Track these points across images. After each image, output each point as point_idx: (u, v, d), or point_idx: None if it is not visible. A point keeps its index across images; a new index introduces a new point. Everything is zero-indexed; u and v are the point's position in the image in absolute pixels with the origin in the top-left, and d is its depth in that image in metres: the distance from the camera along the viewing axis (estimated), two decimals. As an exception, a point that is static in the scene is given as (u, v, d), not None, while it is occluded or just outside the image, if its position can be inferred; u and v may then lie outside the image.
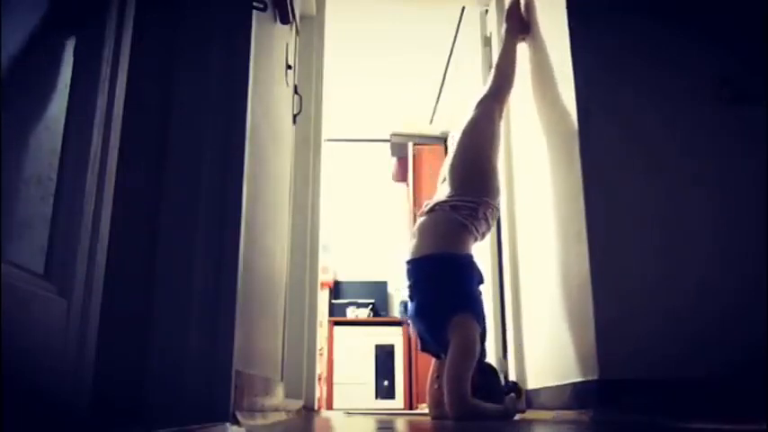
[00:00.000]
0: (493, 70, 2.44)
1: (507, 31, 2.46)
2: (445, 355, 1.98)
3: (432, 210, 2.13)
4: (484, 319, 2.05)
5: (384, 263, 5.92)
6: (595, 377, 1.67)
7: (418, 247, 2.11)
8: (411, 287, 2.11)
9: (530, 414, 2.21)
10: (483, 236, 2.16)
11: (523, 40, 2.43)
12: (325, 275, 5.05)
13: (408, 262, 2.13)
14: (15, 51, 0.76)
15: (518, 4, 2.49)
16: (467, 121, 2.27)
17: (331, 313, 5.54)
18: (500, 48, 2.90)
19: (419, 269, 2.09)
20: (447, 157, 2.34)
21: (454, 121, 4.58)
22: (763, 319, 1.65)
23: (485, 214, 2.08)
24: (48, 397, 0.84)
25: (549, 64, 2.20)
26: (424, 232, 2.12)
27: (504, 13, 2.52)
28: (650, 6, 1.99)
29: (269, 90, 1.94)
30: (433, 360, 2.15)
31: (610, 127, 1.88)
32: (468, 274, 2.06)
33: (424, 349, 2.15)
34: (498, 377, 2.06)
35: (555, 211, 2.11)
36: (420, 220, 2.17)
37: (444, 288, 2.03)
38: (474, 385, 1.88)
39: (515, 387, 2.03)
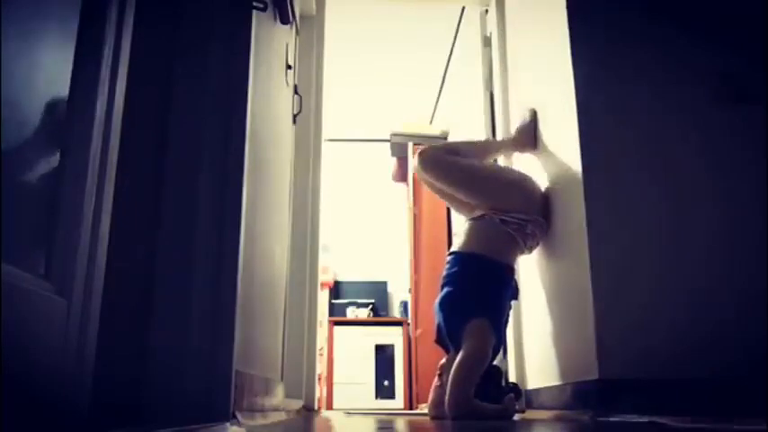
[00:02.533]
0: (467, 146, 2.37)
1: (514, 145, 2.38)
2: (455, 351, 1.99)
3: (481, 216, 2.13)
4: (501, 332, 2.06)
5: (384, 263, 5.92)
6: (595, 377, 1.67)
7: (464, 243, 2.13)
8: (445, 276, 2.12)
9: (529, 414, 2.21)
10: (531, 250, 2.16)
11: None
12: (325, 275, 5.05)
13: (451, 253, 2.16)
14: (15, 51, 0.76)
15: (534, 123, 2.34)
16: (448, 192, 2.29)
17: (331, 313, 5.54)
18: (499, 51, 2.90)
19: (458, 262, 2.10)
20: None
21: (454, 121, 4.59)
22: (764, 319, 1.65)
23: (533, 230, 2.08)
24: (48, 397, 0.84)
25: (549, 64, 2.20)
26: (471, 233, 2.13)
27: (522, 135, 2.34)
28: (650, 6, 1.99)
29: (269, 90, 1.94)
30: (444, 359, 2.15)
31: (610, 127, 1.88)
32: (501, 284, 2.08)
33: (437, 341, 2.16)
34: (501, 379, 2.06)
35: (555, 210, 2.11)
36: (468, 223, 2.18)
37: (473, 288, 2.04)
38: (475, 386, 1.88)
39: (515, 388, 2.04)
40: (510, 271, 2.10)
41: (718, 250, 1.77)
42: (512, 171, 2.38)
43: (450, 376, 1.91)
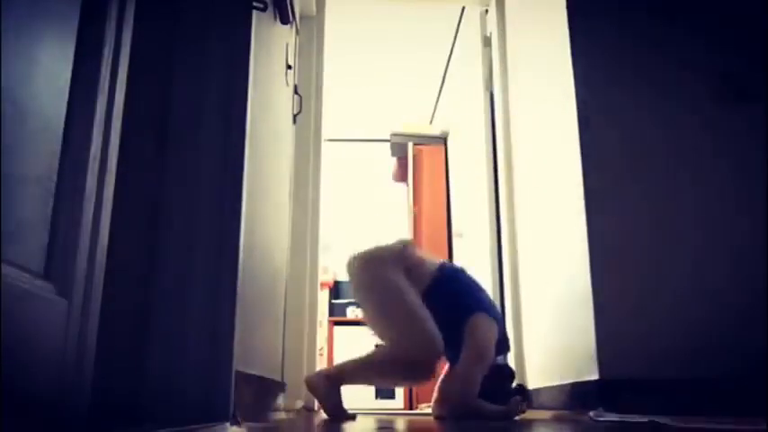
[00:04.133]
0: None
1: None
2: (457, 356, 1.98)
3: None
4: (502, 322, 2.05)
5: (384, 263, 5.91)
6: (595, 377, 1.67)
7: (423, 278, 2.05)
8: (433, 293, 2.02)
9: (529, 414, 2.21)
10: None
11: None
12: (326, 275, 5.05)
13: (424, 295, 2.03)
14: (15, 51, 0.76)
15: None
16: None
17: (331, 313, 5.54)
18: (499, 51, 2.89)
19: (430, 295, 2.00)
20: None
21: (454, 121, 4.59)
22: (764, 319, 1.65)
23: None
24: (47, 397, 0.84)
25: (549, 64, 2.20)
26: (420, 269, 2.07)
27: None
28: (650, 6, 1.99)
29: (269, 90, 1.94)
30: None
31: (610, 128, 1.88)
32: (470, 283, 2.08)
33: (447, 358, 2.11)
34: (510, 380, 2.05)
35: (556, 212, 2.11)
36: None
37: (456, 295, 2.02)
38: (482, 385, 1.88)
39: (522, 390, 2.03)
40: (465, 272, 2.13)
41: (718, 251, 1.77)
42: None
43: (457, 373, 1.89)
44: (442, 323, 1.94)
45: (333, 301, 5.68)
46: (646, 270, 1.76)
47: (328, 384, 1.94)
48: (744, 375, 1.60)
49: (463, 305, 1.98)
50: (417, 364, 1.85)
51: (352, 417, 1.94)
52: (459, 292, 2.03)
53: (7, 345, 0.71)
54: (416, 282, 1.99)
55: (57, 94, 0.89)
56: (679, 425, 1.30)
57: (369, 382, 2.09)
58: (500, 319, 2.06)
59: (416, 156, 5.09)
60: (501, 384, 1.96)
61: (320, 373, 2.05)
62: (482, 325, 1.94)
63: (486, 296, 2.10)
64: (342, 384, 1.95)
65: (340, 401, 1.94)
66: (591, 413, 1.65)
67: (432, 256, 2.17)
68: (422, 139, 5.15)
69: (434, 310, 1.95)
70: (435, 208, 4.80)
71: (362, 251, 2.10)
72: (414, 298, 1.94)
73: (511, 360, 2.56)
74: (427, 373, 1.85)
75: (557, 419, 1.92)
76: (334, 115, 4.79)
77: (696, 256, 1.76)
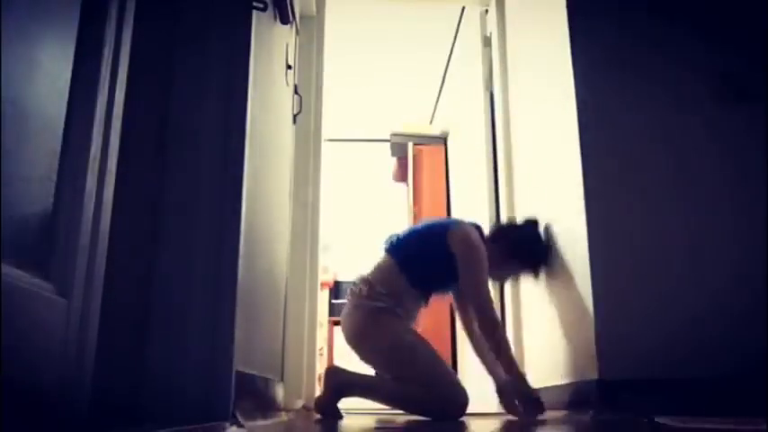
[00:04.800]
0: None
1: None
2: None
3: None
4: (471, 223, 2.11)
5: (384, 263, 5.91)
6: (595, 377, 1.67)
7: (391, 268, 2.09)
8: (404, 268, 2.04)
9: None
10: None
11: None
12: (326, 275, 5.04)
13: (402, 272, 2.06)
14: (15, 51, 0.76)
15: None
16: None
17: (331, 313, 5.53)
18: (499, 51, 2.89)
19: (407, 268, 2.05)
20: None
21: (454, 121, 4.59)
22: (764, 319, 1.65)
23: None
24: (47, 397, 0.84)
25: (549, 64, 2.20)
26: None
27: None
28: (650, 6, 1.99)
29: (269, 90, 1.94)
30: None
31: (610, 128, 1.88)
32: (416, 228, 2.18)
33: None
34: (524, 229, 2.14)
35: (556, 212, 2.11)
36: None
37: (421, 243, 2.07)
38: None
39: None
40: None
41: (718, 251, 1.77)
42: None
43: (465, 288, 1.98)
44: (435, 272, 2.02)
45: (333, 301, 5.67)
46: (646, 270, 1.76)
47: (337, 383, 1.99)
48: (744, 375, 1.60)
49: (432, 237, 2.04)
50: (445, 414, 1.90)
51: (340, 416, 1.97)
52: (419, 239, 2.09)
53: (7, 345, 0.71)
54: (394, 280, 2.03)
55: (57, 94, 0.89)
56: (679, 425, 1.30)
57: (376, 401, 2.09)
58: (467, 221, 2.11)
59: (416, 156, 5.09)
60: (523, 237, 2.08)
61: (338, 368, 2.10)
62: (457, 234, 2.00)
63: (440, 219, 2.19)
64: (346, 388, 1.98)
65: (336, 402, 1.98)
66: (591, 413, 1.65)
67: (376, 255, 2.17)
68: (422, 139, 5.14)
69: (421, 270, 2.02)
70: (435, 208, 4.79)
71: (351, 323, 2.07)
72: (426, 349, 1.97)
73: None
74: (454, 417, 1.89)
75: (557, 419, 1.92)
76: (335, 115, 4.78)
77: (696, 256, 1.76)
